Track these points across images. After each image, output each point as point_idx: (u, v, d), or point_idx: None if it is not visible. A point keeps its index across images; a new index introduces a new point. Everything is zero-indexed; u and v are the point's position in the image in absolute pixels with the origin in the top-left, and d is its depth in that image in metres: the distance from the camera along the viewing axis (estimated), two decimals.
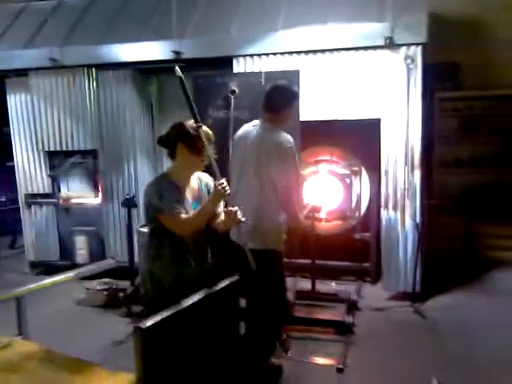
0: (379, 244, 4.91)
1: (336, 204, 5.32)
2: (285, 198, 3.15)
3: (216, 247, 2.87)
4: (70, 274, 3.76)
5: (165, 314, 2.05)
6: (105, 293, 4.87)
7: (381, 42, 4.49)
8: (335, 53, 4.69)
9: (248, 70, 4.89)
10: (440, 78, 6.15)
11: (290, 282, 4.16)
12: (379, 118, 4.65)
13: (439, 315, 4.41)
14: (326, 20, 4.71)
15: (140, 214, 5.39)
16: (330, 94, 4.74)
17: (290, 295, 4.26)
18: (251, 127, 3.34)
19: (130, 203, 5.00)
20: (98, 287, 4.92)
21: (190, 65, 5.03)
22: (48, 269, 5.72)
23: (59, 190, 5.86)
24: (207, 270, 2.75)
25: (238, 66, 4.94)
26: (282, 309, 3.32)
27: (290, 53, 4.78)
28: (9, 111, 5.84)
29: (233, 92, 4.39)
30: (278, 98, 3.24)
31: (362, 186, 5.23)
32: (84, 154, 5.67)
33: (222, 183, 2.49)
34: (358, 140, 5.04)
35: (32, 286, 3.35)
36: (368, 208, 5.23)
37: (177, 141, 2.63)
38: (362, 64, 4.65)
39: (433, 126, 6.17)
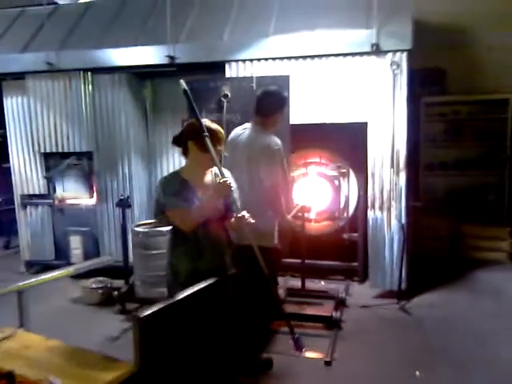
0: (367, 244, 5.00)
1: (325, 205, 5.40)
2: (272, 197, 3.32)
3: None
4: (70, 269, 3.87)
5: (161, 304, 2.19)
6: (100, 291, 4.92)
7: (367, 49, 4.59)
8: (324, 58, 4.79)
9: (240, 75, 4.98)
10: (426, 83, 6.32)
11: (280, 280, 4.26)
12: (366, 121, 4.72)
13: (424, 312, 4.52)
14: (315, 27, 4.82)
15: (134, 214, 5.53)
16: (319, 98, 4.82)
17: (281, 292, 4.40)
18: (242, 130, 3.52)
19: (124, 204, 5.07)
20: (93, 286, 4.99)
21: (183, 69, 5.17)
22: (43, 268, 5.73)
23: (55, 191, 5.91)
24: (220, 265, 2.81)
25: (231, 71, 5.03)
26: (271, 304, 3.43)
27: (281, 58, 4.87)
28: (5, 113, 5.89)
29: (225, 96, 4.50)
30: (268, 103, 3.41)
31: (350, 187, 5.30)
32: (79, 155, 5.72)
33: (226, 180, 2.63)
34: (346, 143, 5.11)
35: (33, 280, 3.45)
36: (356, 209, 5.31)
37: (188, 139, 2.73)
38: (350, 69, 4.74)
39: (419, 129, 6.34)
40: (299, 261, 4.75)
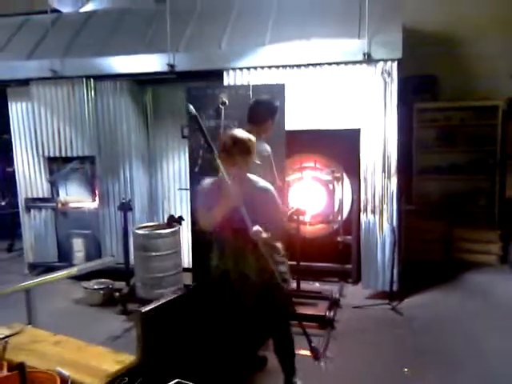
0: (360, 246, 5.09)
1: (319, 208, 5.50)
2: None
3: None
4: (74, 269, 3.97)
5: (161, 300, 2.34)
6: (102, 292, 5.03)
7: (360, 58, 4.72)
8: (318, 67, 4.93)
9: (237, 82, 5.12)
10: (418, 90, 6.44)
11: None
12: (359, 128, 4.85)
13: (415, 312, 4.63)
14: (309, 36, 4.96)
15: (135, 217, 5.64)
16: (313, 105, 4.96)
17: None
18: None
19: (125, 207, 5.15)
20: (95, 287, 5.11)
21: (183, 77, 5.32)
22: (47, 270, 5.73)
23: (58, 195, 6.02)
24: (243, 273, 2.94)
25: (228, 79, 5.16)
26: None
27: (277, 66, 5.02)
28: (10, 119, 6.01)
29: (223, 103, 4.63)
30: (260, 111, 3.58)
31: (344, 191, 5.41)
32: (82, 159, 5.84)
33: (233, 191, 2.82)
34: (340, 148, 5.20)
35: (40, 279, 3.58)
36: (349, 212, 5.40)
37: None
38: (343, 78, 4.87)
39: (412, 135, 6.48)
40: (294, 263, 4.76)
